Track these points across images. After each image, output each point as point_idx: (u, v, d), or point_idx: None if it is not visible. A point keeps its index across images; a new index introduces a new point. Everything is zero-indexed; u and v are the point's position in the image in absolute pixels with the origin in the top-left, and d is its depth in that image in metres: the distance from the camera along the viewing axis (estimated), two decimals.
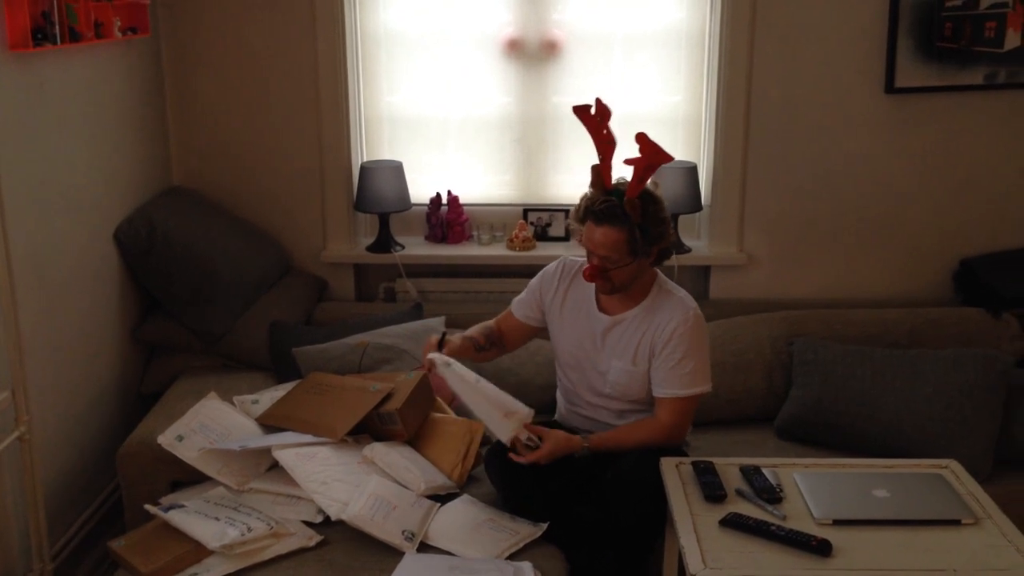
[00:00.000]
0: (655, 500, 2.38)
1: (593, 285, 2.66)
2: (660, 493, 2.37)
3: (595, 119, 2.52)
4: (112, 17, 2.98)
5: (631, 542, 2.45)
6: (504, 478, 2.56)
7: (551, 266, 2.77)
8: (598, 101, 2.50)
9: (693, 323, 2.55)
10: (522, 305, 2.79)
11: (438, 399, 2.89)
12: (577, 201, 2.58)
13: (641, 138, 2.46)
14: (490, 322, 2.82)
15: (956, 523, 2.18)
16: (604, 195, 2.50)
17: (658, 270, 2.66)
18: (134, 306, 3.26)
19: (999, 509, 2.25)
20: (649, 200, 2.49)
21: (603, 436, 2.55)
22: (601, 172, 2.54)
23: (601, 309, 2.65)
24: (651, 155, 2.45)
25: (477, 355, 2.73)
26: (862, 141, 3.50)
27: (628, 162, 2.47)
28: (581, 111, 2.53)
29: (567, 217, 3.55)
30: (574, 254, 2.78)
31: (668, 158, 2.46)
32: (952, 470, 2.43)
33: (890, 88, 3.42)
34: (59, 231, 2.80)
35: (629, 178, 2.49)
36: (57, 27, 2.63)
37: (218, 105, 3.55)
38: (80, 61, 2.91)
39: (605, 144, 2.53)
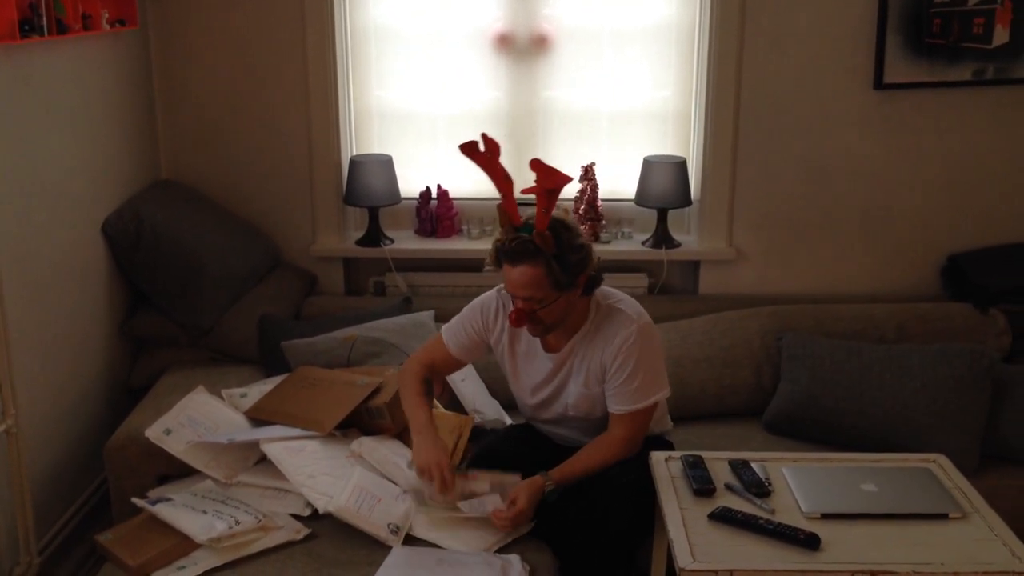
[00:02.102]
0: (643, 503, 2.37)
1: None
2: (648, 495, 2.36)
3: (485, 155, 2.38)
4: (100, 9, 2.96)
5: (614, 547, 2.44)
6: None
7: (490, 303, 2.60)
8: (484, 136, 2.37)
9: (637, 337, 2.45)
10: (459, 342, 2.62)
11: None
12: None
13: (535, 164, 2.34)
14: (419, 369, 2.62)
15: (943, 517, 2.19)
16: (514, 233, 2.35)
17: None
18: (122, 300, 3.25)
19: (986, 503, 2.26)
20: (560, 228, 2.35)
21: (565, 470, 2.46)
22: (506, 209, 2.38)
23: (547, 349, 2.55)
24: (546, 179, 2.30)
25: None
26: (851, 137, 3.51)
27: (526, 191, 2.34)
28: (469, 149, 2.37)
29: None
30: None
31: (565, 179, 2.32)
32: (940, 464, 2.43)
33: (879, 84, 3.43)
34: (46, 224, 2.78)
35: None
36: (44, 19, 2.62)
37: (207, 98, 3.54)
38: (67, 53, 2.90)
39: (502, 180, 2.38)
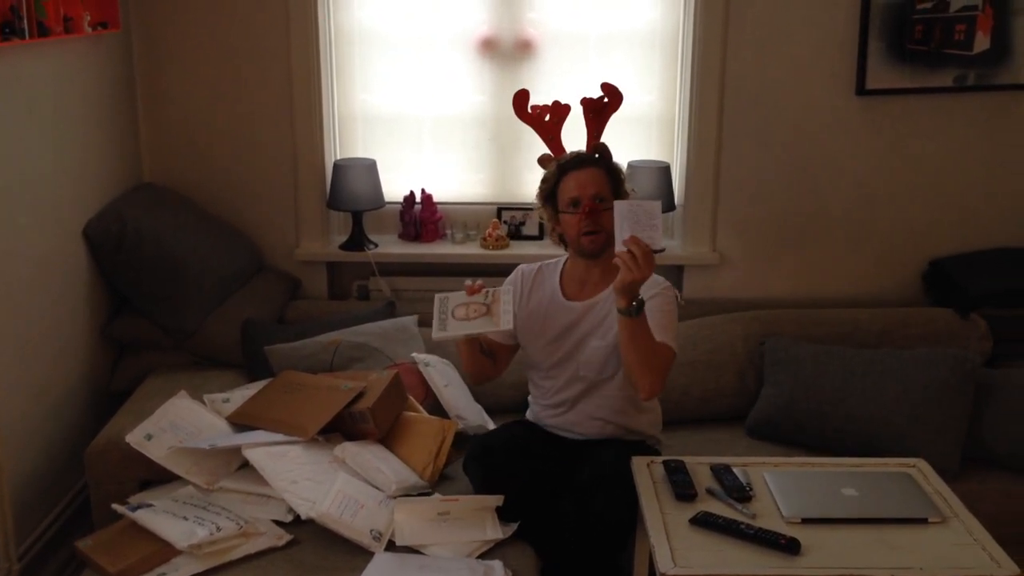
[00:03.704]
0: (632, 497, 2.38)
1: (556, 279, 2.69)
2: (630, 498, 2.37)
3: (533, 114, 2.69)
4: (82, 12, 2.95)
5: (606, 539, 2.45)
6: (485, 480, 2.55)
7: (515, 276, 2.77)
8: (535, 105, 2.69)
9: (665, 288, 2.59)
10: None
11: (410, 398, 2.88)
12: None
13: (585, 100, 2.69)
14: None
15: (923, 522, 2.20)
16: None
17: None
18: (104, 303, 3.23)
19: (965, 508, 2.27)
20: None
21: (645, 317, 2.44)
22: (555, 152, 2.67)
23: (569, 298, 2.66)
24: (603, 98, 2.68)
25: (481, 357, 2.65)
26: (833, 142, 3.52)
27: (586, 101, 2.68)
28: (519, 100, 2.73)
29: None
30: (543, 255, 2.78)
31: (617, 94, 2.68)
32: (920, 469, 2.45)
33: (861, 90, 3.44)
34: (27, 228, 2.76)
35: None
36: (25, 21, 2.60)
37: (190, 101, 3.53)
38: (49, 56, 2.88)
39: (551, 127, 2.72)
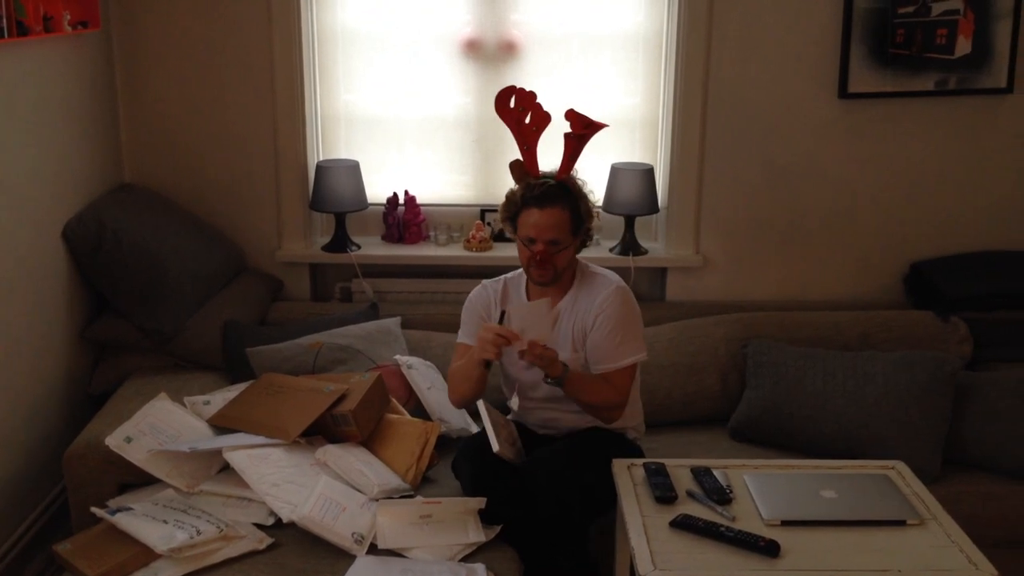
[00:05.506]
0: (585, 478, 2.44)
1: (521, 292, 2.69)
2: (579, 483, 2.43)
3: (515, 111, 2.58)
4: (62, 10, 2.93)
5: (556, 532, 2.47)
6: (474, 480, 2.55)
7: (475, 293, 2.75)
8: (519, 90, 2.58)
9: (615, 295, 2.58)
10: (473, 337, 2.69)
11: (393, 400, 2.88)
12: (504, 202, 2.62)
13: (570, 113, 2.57)
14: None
15: (902, 524, 2.22)
16: (539, 180, 2.55)
17: (578, 256, 2.69)
18: (83, 305, 3.21)
19: (943, 510, 2.29)
20: (573, 177, 2.59)
21: (575, 375, 2.51)
22: (527, 163, 2.58)
23: None
24: (577, 124, 2.55)
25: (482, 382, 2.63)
26: (816, 145, 3.54)
27: (575, 129, 2.57)
28: (502, 99, 2.59)
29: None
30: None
31: (600, 124, 2.55)
32: (898, 471, 2.46)
33: (843, 93, 3.46)
34: (5, 229, 2.74)
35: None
36: (4, 20, 2.59)
37: (171, 101, 3.51)
38: (28, 55, 2.86)
39: (529, 133, 2.58)
